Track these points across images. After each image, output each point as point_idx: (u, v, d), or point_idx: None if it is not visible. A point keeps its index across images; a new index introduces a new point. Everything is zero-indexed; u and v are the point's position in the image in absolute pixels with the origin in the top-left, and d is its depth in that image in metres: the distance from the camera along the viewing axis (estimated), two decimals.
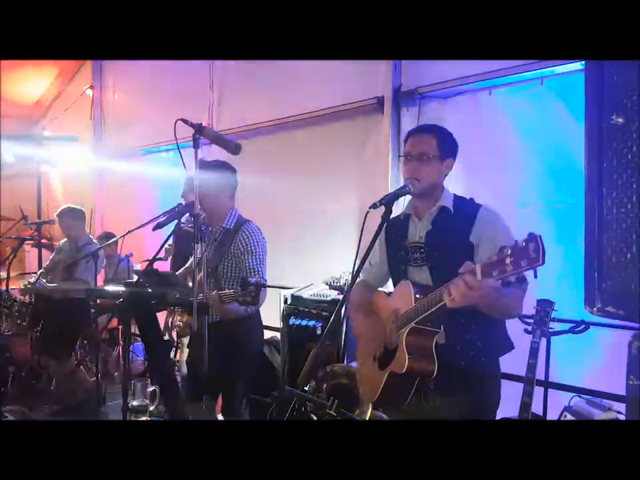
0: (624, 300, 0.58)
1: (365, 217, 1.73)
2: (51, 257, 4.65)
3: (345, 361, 3.23)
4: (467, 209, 1.95)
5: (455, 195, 2.02)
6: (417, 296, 1.80)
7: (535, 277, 2.13)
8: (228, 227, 2.83)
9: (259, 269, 2.75)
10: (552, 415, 2.76)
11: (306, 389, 1.52)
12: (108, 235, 5.24)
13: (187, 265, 3.22)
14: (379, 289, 2.22)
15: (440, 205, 1.96)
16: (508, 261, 1.38)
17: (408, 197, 2.02)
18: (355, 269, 1.75)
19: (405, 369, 1.76)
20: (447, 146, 1.98)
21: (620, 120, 0.55)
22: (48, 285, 4.23)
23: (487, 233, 1.86)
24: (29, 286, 4.43)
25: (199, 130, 2.22)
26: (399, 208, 3.42)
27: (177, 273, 3.22)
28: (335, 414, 1.40)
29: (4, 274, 4.96)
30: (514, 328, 2.08)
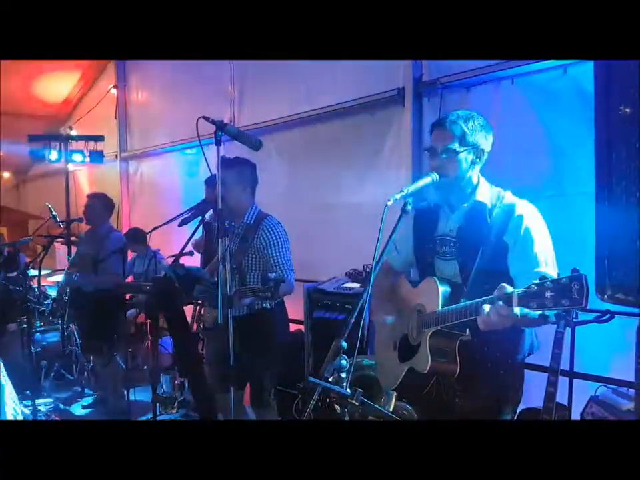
0: (633, 287, 0.59)
1: (385, 210, 1.72)
2: (76, 251, 4.73)
3: (368, 353, 3.25)
4: (503, 205, 1.84)
5: (491, 187, 1.92)
6: (445, 297, 1.76)
7: (575, 318, 2.11)
8: (248, 222, 2.88)
9: (284, 261, 2.80)
10: (577, 405, 2.74)
11: (330, 380, 1.55)
12: (136, 231, 5.35)
13: (213, 261, 3.28)
14: (402, 277, 2.19)
15: (475, 198, 1.87)
16: (548, 294, 1.33)
17: (431, 187, 1.92)
18: (375, 261, 1.74)
19: (427, 370, 1.76)
20: (475, 134, 1.85)
21: (628, 110, 0.56)
22: (83, 278, 4.30)
23: (522, 234, 1.77)
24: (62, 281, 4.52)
25: (220, 127, 2.26)
26: (421, 199, 3.40)
27: (204, 268, 3.28)
28: (358, 404, 1.43)
29: (36, 272, 5.10)
30: None
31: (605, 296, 0.63)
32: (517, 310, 1.44)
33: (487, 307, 1.53)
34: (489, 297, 1.54)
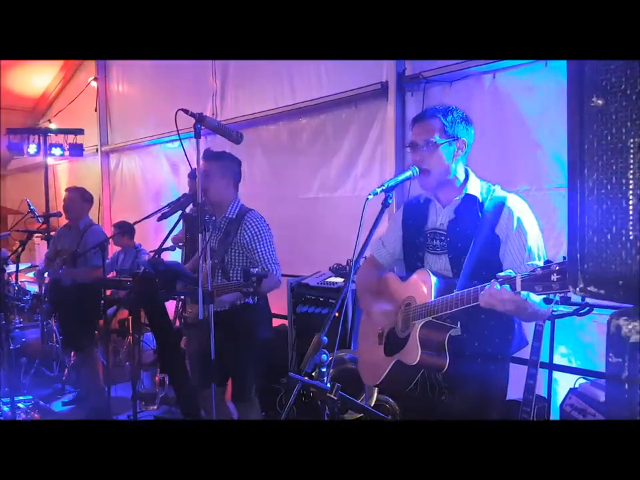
0: (604, 280, 0.59)
1: (365, 204, 1.70)
2: (50, 245, 4.64)
3: (351, 347, 3.26)
4: (493, 198, 1.84)
5: (481, 181, 1.92)
6: (437, 289, 1.74)
7: (583, 300, 2.09)
8: (231, 216, 2.85)
9: (269, 255, 2.78)
10: (557, 397, 2.77)
11: (313, 375, 1.54)
12: (123, 224, 5.30)
13: (195, 256, 3.25)
14: (390, 272, 2.17)
15: (466, 192, 1.86)
16: (554, 277, 1.31)
17: (415, 182, 1.92)
18: (355, 256, 1.73)
19: (416, 362, 1.74)
20: (455, 126, 1.85)
21: (600, 102, 0.56)
22: (66, 270, 4.23)
23: (514, 227, 1.77)
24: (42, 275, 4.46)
25: (199, 120, 2.24)
26: (404, 193, 3.42)
27: (186, 264, 3.25)
28: (336, 398, 1.42)
29: (14, 267, 5.02)
30: None
31: (577, 289, 0.63)
32: (522, 293, 1.44)
33: (491, 284, 1.51)
34: (489, 282, 1.53)
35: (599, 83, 0.55)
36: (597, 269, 0.59)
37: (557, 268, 1.31)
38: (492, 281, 1.52)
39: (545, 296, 1.38)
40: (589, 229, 0.59)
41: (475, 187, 1.88)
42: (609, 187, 0.56)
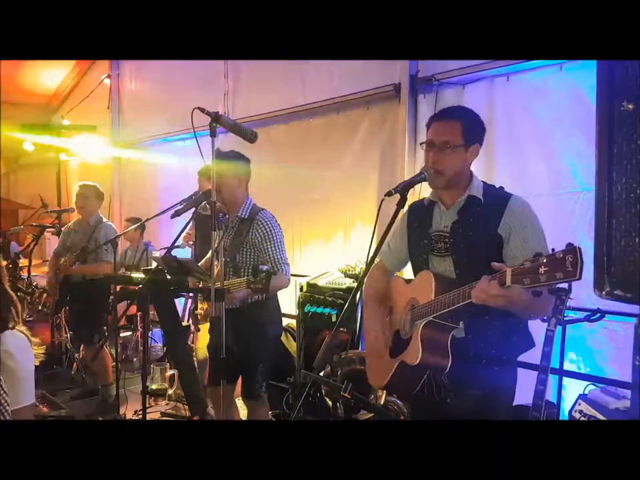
0: (632, 283, 0.59)
1: (380, 205, 1.71)
2: (60, 241, 4.64)
3: (360, 347, 3.26)
4: (496, 200, 1.84)
5: (484, 183, 1.91)
6: (438, 289, 1.74)
7: (569, 290, 2.10)
8: (243, 216, 2.86)
9: (279, 255, 2.79)
10: (566, 403, 2.76)
11: (321, 374, 1.55)
12: (134, 220, 5.32)
13: (207, 256, 3.25)
14: (396, 275, 2.17)
15: (469, 194, 1.86)
16: (542, 270, 1.31)
17: (425, 184, 1.90)
18: (370, 257, 1.73)
19: (417, 362, 1.73)
20: (473, 131, 1.85)
21: (630, 106, 0.56)
22: (77, 266, 4.25)
23: (517, 227, 1.77)
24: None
25: (215, 118, 2.24)
26: (414, 195, 3.42)
27: (200, 262, 3.26)
28: (349, 397, 1.43)
29: (25, 261, 5.06)
30: None
31: (604, 292, 0.63)
32: (511, 287, 1.44)
33: (482, 280, 1.52)
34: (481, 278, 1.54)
35: (631, 87, 0.54)
36: (624, 272, 0.59)
37: (545, 260, 1.31)
38: (483, 276, 1.53)
39: (533, 289, 1.38)
40: (617, 232, 0.59)
41: (477, 189, 1.88)
42: (637, 191, 0.56)
